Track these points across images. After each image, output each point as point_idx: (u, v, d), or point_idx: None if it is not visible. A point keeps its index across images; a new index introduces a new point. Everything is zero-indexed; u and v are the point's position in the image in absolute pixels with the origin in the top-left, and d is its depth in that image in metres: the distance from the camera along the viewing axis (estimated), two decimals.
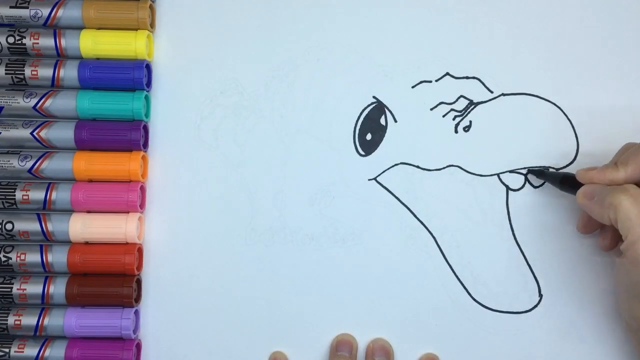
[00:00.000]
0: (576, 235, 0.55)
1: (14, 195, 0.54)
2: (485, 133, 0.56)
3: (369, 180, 0.56)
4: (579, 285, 0.55)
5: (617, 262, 0.48)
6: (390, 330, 0.55)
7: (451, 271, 0.55)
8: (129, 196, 0.54)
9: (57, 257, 0.54)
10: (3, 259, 0.54)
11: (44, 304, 0.54)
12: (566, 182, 0.53)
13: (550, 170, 0.55)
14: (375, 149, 0.56)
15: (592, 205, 0.49)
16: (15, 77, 0.55)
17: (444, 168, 0.56)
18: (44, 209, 0.55)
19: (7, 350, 0.53)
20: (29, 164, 0.54)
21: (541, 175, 0.55)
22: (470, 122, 0.56)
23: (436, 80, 0.57)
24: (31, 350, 0.53)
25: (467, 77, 0.57)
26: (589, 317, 0.54)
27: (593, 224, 0.53)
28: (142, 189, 0.56)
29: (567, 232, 0.55)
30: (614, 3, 0.57)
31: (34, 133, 0.55)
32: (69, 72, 0.55)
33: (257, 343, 0.55)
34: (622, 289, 0.49)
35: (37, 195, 0.54)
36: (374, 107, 0.57)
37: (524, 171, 0.56)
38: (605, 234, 0.52)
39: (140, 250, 0.56)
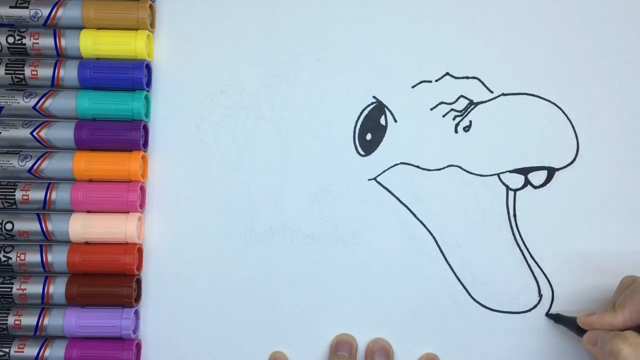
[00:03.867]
0: (576, 235, 0.55)
1: (14, 195, 0.54)
2: (485, 133, 0.56)
3: (369, 180, 0.56)
4: (579, 285, 0.55)
5: None
6: (390, 330, 0.55)
7: (451, 271, 0.55)
8: (129, 196, 0.54)
9: (57, 257, 0.54)
10: (3, 259, 0.54)
11: (44, 304, 0.54)
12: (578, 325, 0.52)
13: (566, 315, 0.54)
14: (375, 149, 0.56)
15: (596, 352, 0.49)
16: (15, 77, 0.55)
17: (444, 168, 0.56)
18: (44, 209, 0.55)
19: (7, 350, 0.53)
20: (29, 164, 0.54)
21: (558, 320, 0.54)
22: (470, 122, 0.56)
23: (436, 80, 0.57)
24: (31, 350, 0.53)
25: (467, 77, 0.57)
26: None
27: None
28: (142, 189, 0.56)
29: (567, 232, 0.55)
30: (613, 3, 0.57)
31: (34, 133, 0.55)
32: (69, 72, 0.55)
33: (257, 343, 0.55)
34: None
35: (37, 195, 0.54)
36: (374, 107, 0.57)
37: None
38: None
39: (140, 250, 0.55)
